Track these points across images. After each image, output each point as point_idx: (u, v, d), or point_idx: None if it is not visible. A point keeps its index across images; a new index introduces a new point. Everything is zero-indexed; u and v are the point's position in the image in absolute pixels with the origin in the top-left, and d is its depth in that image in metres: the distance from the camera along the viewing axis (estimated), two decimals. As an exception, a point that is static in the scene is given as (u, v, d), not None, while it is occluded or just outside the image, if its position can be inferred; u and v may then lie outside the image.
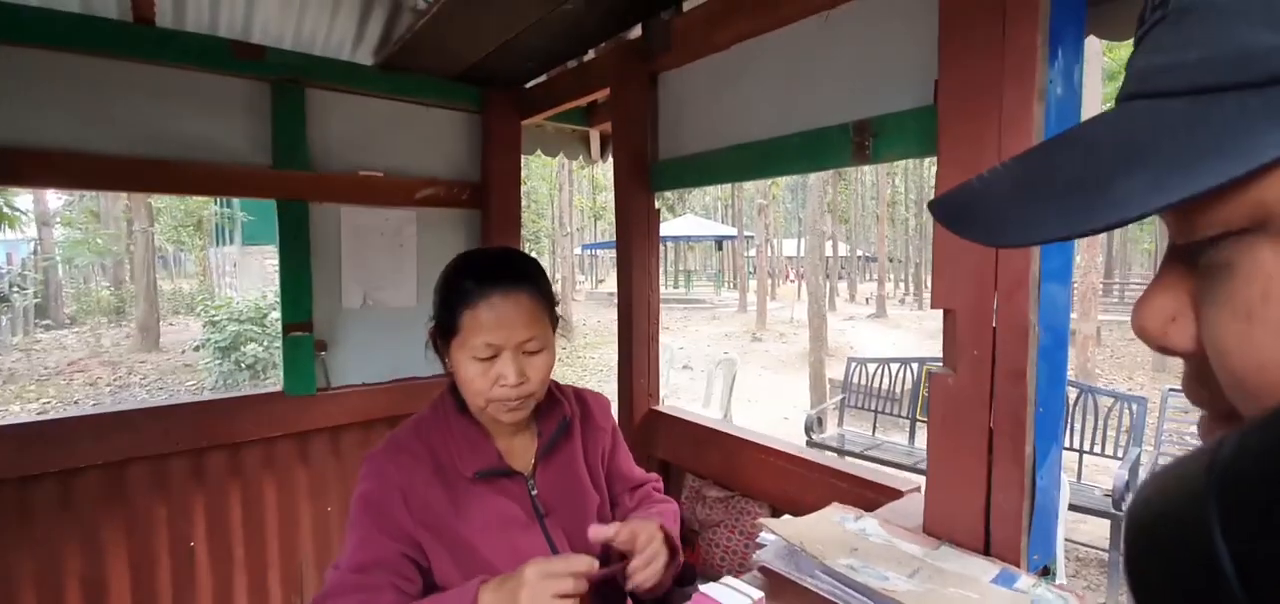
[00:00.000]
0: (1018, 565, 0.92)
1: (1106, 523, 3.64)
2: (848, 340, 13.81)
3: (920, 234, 29.73)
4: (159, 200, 12.73)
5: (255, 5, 1.77)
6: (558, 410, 1.07)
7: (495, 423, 1.01)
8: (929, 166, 32.04)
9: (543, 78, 2.17)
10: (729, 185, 29.08)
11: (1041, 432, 0.92)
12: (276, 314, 7.45)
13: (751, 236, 24.81)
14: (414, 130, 2.14)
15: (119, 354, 10.44)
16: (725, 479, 1.61)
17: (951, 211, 0.31)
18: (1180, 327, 0.28)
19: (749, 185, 25.01)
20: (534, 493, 1.01)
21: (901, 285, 31.28)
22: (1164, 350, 0.28)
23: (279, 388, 1.95)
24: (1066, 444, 4.22)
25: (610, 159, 2.86)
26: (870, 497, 1.22)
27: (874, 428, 5.97)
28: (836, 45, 1.28)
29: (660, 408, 1.83)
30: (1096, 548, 3.84)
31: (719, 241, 26.85)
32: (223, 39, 1.77)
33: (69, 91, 1.58)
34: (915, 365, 5.95)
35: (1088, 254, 8.55)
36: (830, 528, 1.01)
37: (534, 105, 2.19)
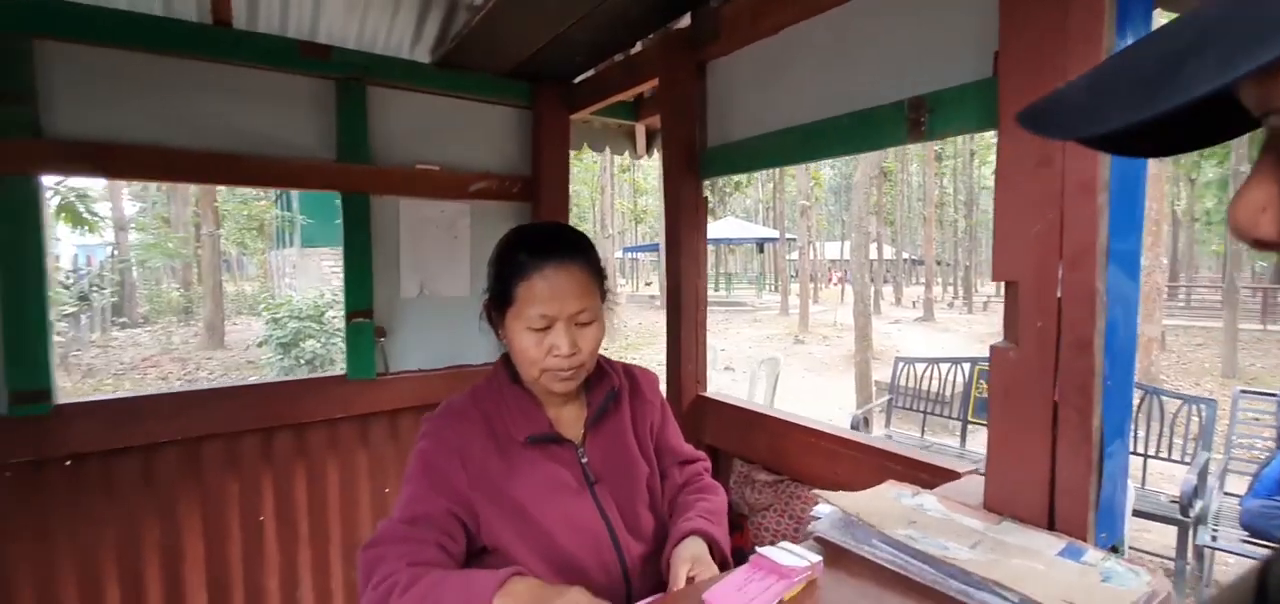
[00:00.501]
0: (1084, 542, 0.90)
1: (1172, 530, 3.46)
2: (893, 344, 13.48)
3: (970, 236, 28.80)
4: (224, 205, 13.41)
5: (322, 7, 1.87)
6: (606, 382, 1.10)
7: (546, 393, 1.04)
8: (980, 166, 31.03)
9: (591, 72, 2.21)
10: (771, 187, 28.78)
11: (1109, 404, 0.89)
12: (333, 312, 7.76)
13: (793, 238, 24.51)
14: (468, 125, 2.21)
15: (188, 351, 11.03)
16: (774, 463, 1.61)
17: (1030, 115, 0.32)
18: (1270, 217, 0.28)
19: (791, 186, 24.73)
20: (584, 460, 1.04)
21: (949, 289, 30.35)
22: (1257, 244, 0.29)
23: (342, 372, 2.04)
24: (1130, 447, 4.02)
25: (655, 154, 2.90)
26: (925, 478, 1.21)
27: (923, 430, 5.82)
28: (889, 21, 1.27)
29: (707, 394, 1.84)
30: (1162, 557, 3.65)
31: (761, 244, 26.65)
32: (292, 39, 1.87)
33: (153, 90, 1.70)
34: (967, 366, 5.77)
35: (1152, 253, 8.14)
36: (886, 503, 1.00)
37: (582, 99, 2.23)
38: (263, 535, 1.93)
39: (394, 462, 2.14)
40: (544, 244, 0.99)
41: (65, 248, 14.40)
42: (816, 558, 0.83)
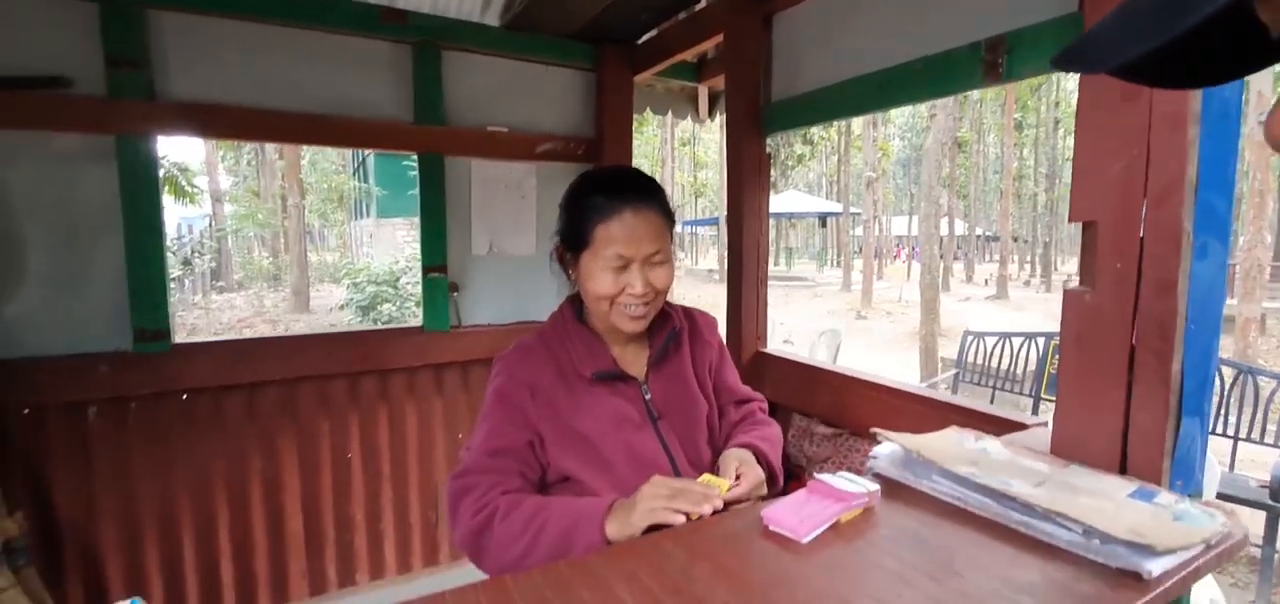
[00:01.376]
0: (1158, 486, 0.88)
1: (1261, 516, 3.24)
2: (962, 321, 12.94)
3: (1051, 211, 27.10)
4: (307, 178, 14.19)
5: (400, -28, 1.96)
6: (668, 324, 1.15)
7: (615, 331, 1.09)
8: (1064, 135, 29.02)
9: (654, 32, 2.22)
10: (835, 161, 27.89)
11: (1191, 349, 0.87)
12: (407, 278, 8.14)
13: (858, 213, 23.76)
14: (535, 88, 2.28)
15: (277, 314, 11.85)
16: (834, 418, 1.62)
17: (1063, 57, 0.33)
18: None
19: (857, 159, 23.90)
20: (647, 397, 1.09)
21: (1026, 267, 28.74)
22: None
23: (419, 325, 2.17)
24: (1219, 430, 3.77)
25: (717, 119, 2.89)
26: (991, 430, 1.19)
27: (991, 404, 5.59)
28: (966, -39, 1.23)
29: (768, 349, 1.86)
30: (1250, 544, 3.42)
31: (823, 218, 25.96)
32: (373, 5, 1.97)
33: (250, 55, 1.83)
34: (1042, 340, 5.50)
35: (1254, 227, 7.46)
36: (949, 444, 1.01)
37: (645, 61, 2.25)
38: (350, 471, 2.10)
39: (466, 409, 2.26)
40: (620, 187, 1.03)
41: (170, 217, 15.62)
42: (874, 487, 0.85)
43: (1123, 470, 0.92)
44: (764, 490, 1.02)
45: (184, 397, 1.85)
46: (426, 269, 2.14)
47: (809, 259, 32.44)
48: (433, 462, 2.23)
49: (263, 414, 1.96)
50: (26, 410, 1.67)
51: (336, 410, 2.06)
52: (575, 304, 1.14)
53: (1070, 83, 30.63)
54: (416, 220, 2.14)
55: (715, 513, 1.00)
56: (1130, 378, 0.90)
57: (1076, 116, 0.92)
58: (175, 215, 15.85)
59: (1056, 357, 5.41)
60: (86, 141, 1.66)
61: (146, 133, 1.70)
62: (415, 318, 2.15)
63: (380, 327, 2.21)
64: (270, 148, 15.80)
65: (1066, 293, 0.96)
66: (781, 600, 0.64)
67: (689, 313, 1.22)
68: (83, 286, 1.70)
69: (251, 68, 1.84)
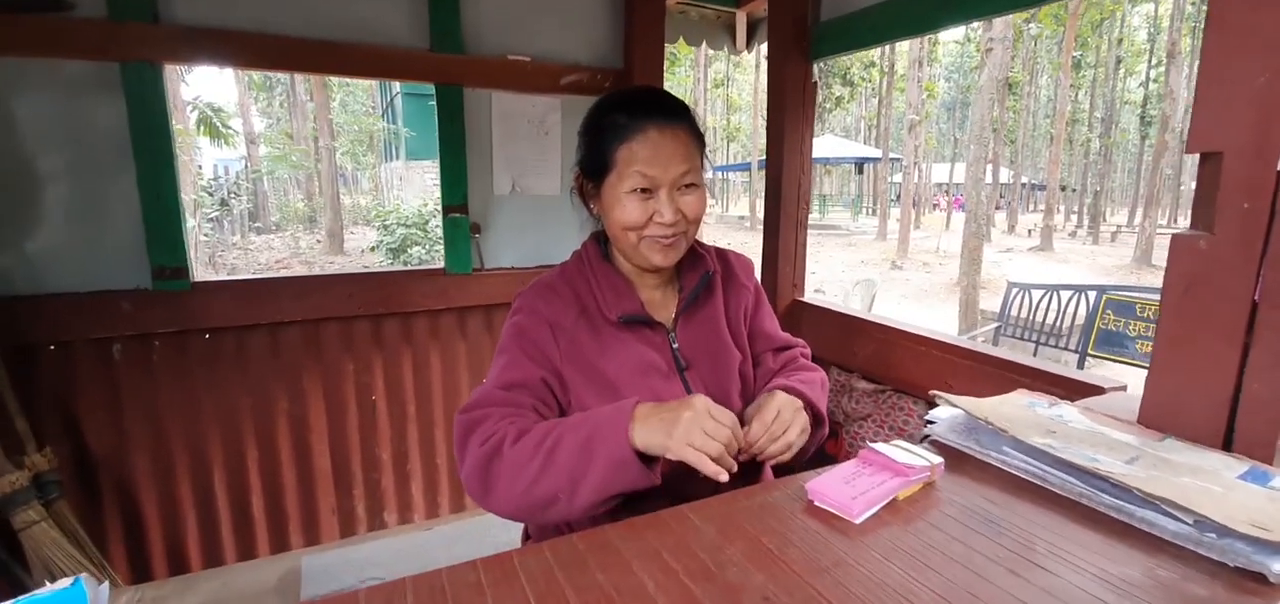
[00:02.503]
0: (1273, 467, 0.75)
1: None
2: (1003, 273, 12.50)
3: (1105, 158, 25.72)
4: (338, 119, 14.19)
5: (414, -115, 1.80)
6: (701, 265, 1.05)
7: (642, 269, 1.00)
8: (1124, 76, 27.26)
9: (690, -50, 2.04)
10: (876, 103, 26.76)
11: (1330, 306, 0.72)
12: (435, 221, 8.15)
13: (897, 159, 22.89)
14: (559, 12, 2.12)
15: (312, 256, 12.06)
16: (876, 372, 1.51)
17: None
18: None
19: (899, 101, 22.88)
20: (675, 345, 1.00)
21: (1072, 218, 27.49)
22: None
23: (442, 267, 2.10)
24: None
25: (755, 50, 2.69)
26: (1060, 393, 1.07)
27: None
28: None
29: (805, 298, 1.74)
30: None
31: (860, 164, 25.12)
32: (387, -78, 1.83)
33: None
34: (1093, 294, 5.23)
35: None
36: (1018, 410, 0.89)
37: (680, -18, 2.07)
38: (376, 412, 2.07)
39: (490, 353, 2.19)
40: (644, 105, 0.92)
41: (206, 158, 15.90)
42: (938, 459, 0.75)
43: (1227, 446, 0.80)
44: (797, 428, 0.92)
45: (206, 335, 1.82)
46: (447, 209, 2.06)
47: (842, 207, 31.58)
48: (457, 405, 2.18)
49: (287, 354, 1.93)
50: (53, 346, 1.66)
51: (360, 352, 2.03)
52: (600, 242, 1.04)
53: (1135, 18, 28.56)
54: (439, 163, 2.04)
55: (751, 462, 0.91)
56: (1248, 340, 0.76)
57: (1206, 23, 0.76)
58: (212, 156, 16.11)
59: (1109, 312, 5.14)
60: (92, 70, 1.59)
61: (150, 59, 1.62)
62: (441, 260, 2.08)
63: (402, 269, 2.15)
64: (300, 88, 15.80)
65: (1175, 239, 0.81)
66: (830, 593, 0.55)
67: (723, 254, 1.11)
68: (100, 222, 1.66)
69: (261, -10, 1.73)
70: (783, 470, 1.02)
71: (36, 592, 0.47)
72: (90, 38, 1.54)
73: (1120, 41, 25.64)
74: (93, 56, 1.56)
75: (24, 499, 1.51)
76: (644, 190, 0.90)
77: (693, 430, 0.78)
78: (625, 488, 0.79)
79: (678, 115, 0.92)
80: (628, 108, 0.92)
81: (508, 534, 2.01)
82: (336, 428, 2.03)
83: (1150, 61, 27.27)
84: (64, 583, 0.47)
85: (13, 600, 0.46)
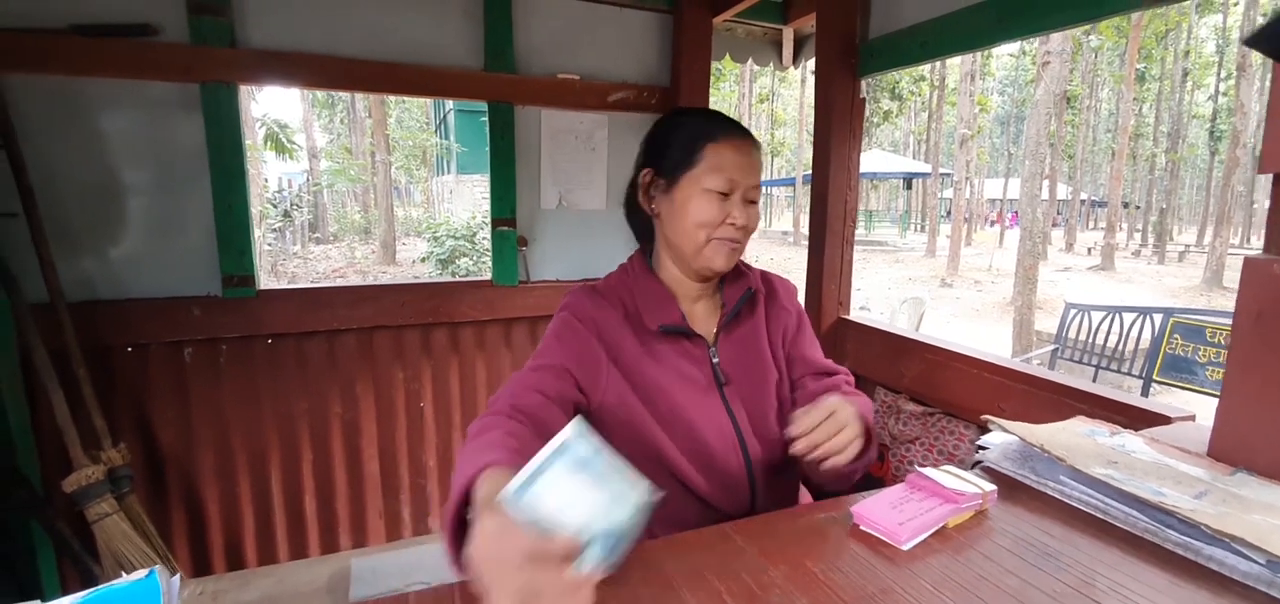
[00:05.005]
0: (1360, 509, 0.71)
1: None
2: (1059, 293, 11.99)
3: (1171, 174, 24.41)
4: (394, 134, 14.71)
5: (470, -88, 1.88)
6: (744, 282, 1.06)
7: (682, 284, 1.02)
8: (1192, 90, 25.90)
9: (738, -32, 2.05)
10: (925, 117, 26.14)
11: None
12: (483, 233, 8.36)
13: (948, 174, 22.28)
14: (607, 33, 2.16)
15: (367, 266, 12.51)
16: (924, 393, 1.47)
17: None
18: None
19: (950, 115, 22.32)
20: (715, 360, 1.00)
21: (1136, 236, 26.15)
22: None
23: (489, 278, 2.15)
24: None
25: (802, 65, 2.68)
26: (1122, 421, 1.02)
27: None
28: None
29: (851, 317, 1.71)
30: None
31: (908, 179, 24.53)
32: (444, -55, 1.91)
33: (326, 2, 1.82)
34: (1158, 316, 4.95)
35: None
36: (1078, 438, 0.86)
37: (726, 0, 2.08)
38: (423, 419, 2.13)
39: (533, 365, 2.24)
40: (722, 118, 0.99)
41: (272, 171, 16.66)
42: (990, 487, 0.73)
43: (1307, 484, 0.75)
44: (852, 432, 0.83)
45: (269, 341, 1.91)
46: (495, 222, 2.11)
47: (890, 223, 30.88)
48: (500, 416, 2.23)
49: (342, 360, 2.01)
50: (130, 348, 1.77)
51: (410, 360, 2.09)
52: (645, 257, 1.06)
53: (1203, 30, 27.12)
54: (490, 178, 2.11)
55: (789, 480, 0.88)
56: (1330, 371, 0.72)
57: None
58: (277, 170, 16.88)
59: (1176, 336, 4.86)
60: (174, 90, 1.70)
61: (229, 80, 1.72)
62: (489, 271, 2.14)
63: (450, 280, 2.22)
64: (360, 106, 16.44)
65: (1247, 262, 0.78)
66: (877, 618, 0.54)
67: (767, 276, 1.12)
68: (176, 233, 1.77)
69: (326, 15, 1.83)
70: (824, 494, 1.01)
71: (113, 582, 0.50)
72: (174, 61, 1.66)
73: (1187, 54, 24.39)
74: (175, 78, 1.68)
75: (98, 493, 1.60)
76: (722, 192, 0.94)
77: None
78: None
79: (751, 135, 0.99)
80: (710, 116, 0.99)
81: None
82: (386, 433, 2.10)
83: (1219, 74, 25.86)
84: (139, 574, 0.50)
85: (92, 591, 0.50)
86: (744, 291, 1.04)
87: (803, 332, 1.11)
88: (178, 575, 0.52)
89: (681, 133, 0.97)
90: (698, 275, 1.01)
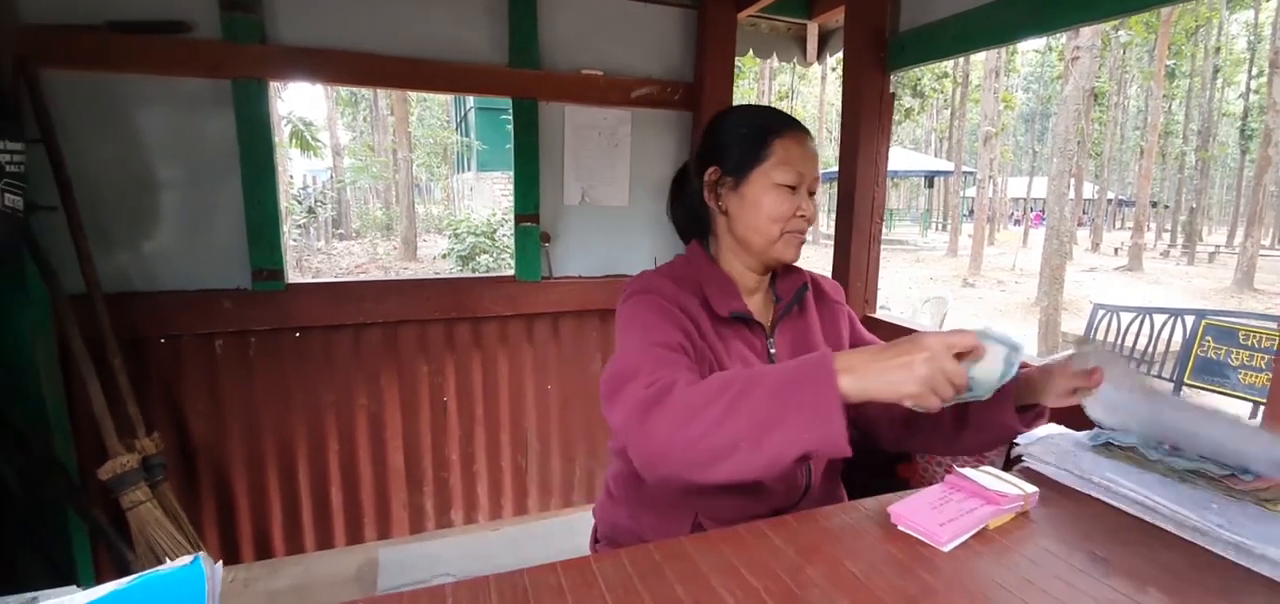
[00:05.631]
0: None
1: None
2: (1085, 294, 11.75)
3: (1201, 173, 23.82)
4: (415, 132, 14.84)
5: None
6: (798, 277, 1.08)
7: (743, 275, 1.03)
8: (1223, 85, 25.21)
9: (764, -37, 2.03)
10: (948, 114, 25.75)
11: None
12: (503, 231, 8.39)
13: (971, 172, 21.95)
14: (631, 28, 2.16)
15: (389, 261, 12.66)
16: (956, 395, 1.44)
17: None
18: None
19: (974, 112, 21.99)
20: (773, 350, 1.02)
21: (1164, 236, 25.53)
22: None
23: (512, 273, 2.16)
24: None
25: (826, 61, 2.65)
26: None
27: (1123, 390, 5.01)
28: None
29: (877, 315, 1.69)
30: None
31: (930, 177, 24.21)
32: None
33: (351, 0, 1.83)
34: (1190, 318, 4.84)
35: None
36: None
37: (752, -5, 2.07)
38: (447, 413, 2.15)
39: (555, 361, 2.25)
40: (783, 113, 1.01)
41: (297, 168, 16.90)
42: (1031, 489, 0.71)
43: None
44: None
45: (297, 334, 1.94)
46: (519, 218, 2.12)
47: (910, 222, 30.50)
48: (523, 410, 2.25)
49: (367, 353, 2.03)
50: (163, 339, 1.81)
51: (434, 354, 2.11)
52: (704, 248, 1.07)
53: (1234, 26, 26.35)
54: (513, 174, 2.11)
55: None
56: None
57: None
58: (302, 167, 17.11)
59: (1208, 337, 4.75)
60: (206, 86, 1.73)
61: (259, 77, 1.74)
62: (509, 267, 2.14)
63: (474, 275, 2.24)
64: (383, 104, 16.58)
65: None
66: (921, 621, 0.53)
67: (813, 276, 1.15)
68: (208, 227, 1.80)
69: (354, 12, 1.84)
70: (857, 493, 1.01)
71: (159, 568, 0.51)
72: (206, 57, 1.68)
73: (1218, 50, 23.74)
74: (207, 74, 1.70)
75: (133, 480, 1.63)
76: (790, 186, 0.96)
77: (938, 380, 0.69)
78: (814, 447, 0.70)
79: (809, 131, 1.01)
80: (773, 113, 1.00)
81: (572, 540, 2.04)
82: (410, 427, 2.12)
83: (1250, 71, 25.13)
84: (184, 560, 0.51)
85: (139, 575, 0.50)
86: (801, 286, 1.07)
87: (856, 326, 1.15)
88: (220, 563, 0.52)
89: (745, 129, 0.99)
90: (764, 268, 1.03)
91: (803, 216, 0.98)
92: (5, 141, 1.33)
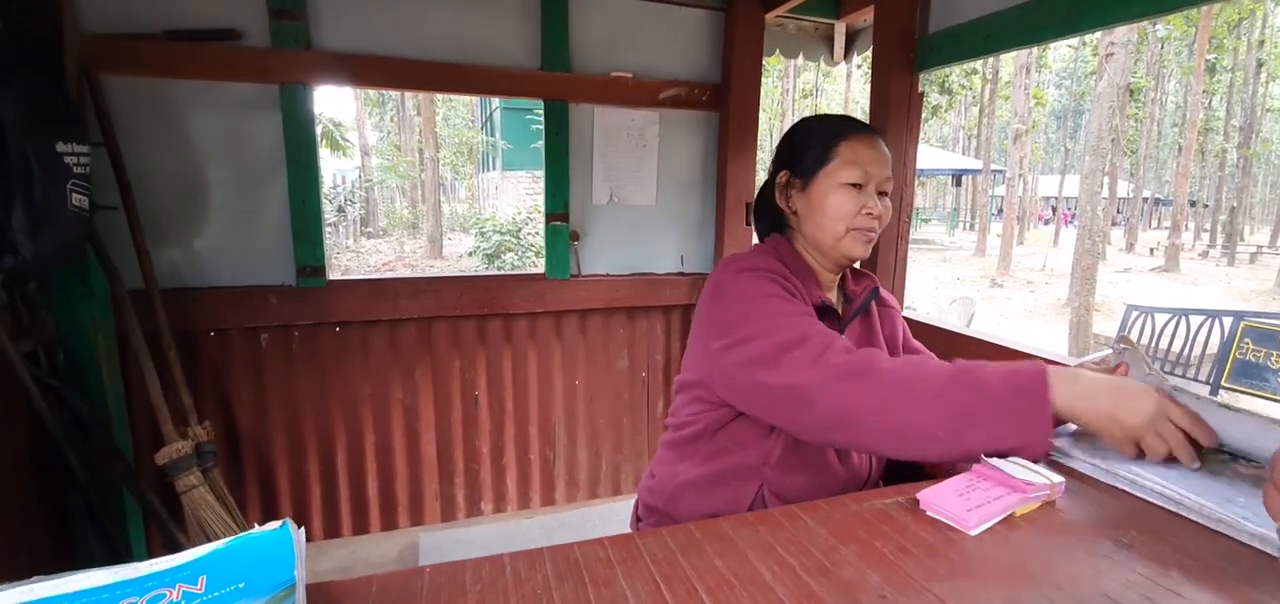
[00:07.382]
0: None
1: None
2: (1119, 294, 11.48)
3: (1243, 171, 23.04)
4: (441, 132, 15.07)
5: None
6: (868, 281, 1.14)
7: (821, 274, 1.07)
8: (1267, 81, 24.36)
9: (791, -36, 2.05)
10: (976, 111, 25.30)
11: None
12: (528, 229, 8.50)
13: (1000, 170, 21.54)
14: (659, 30, 2.20)
15: (415, 259, 12.88)
16: (983, 393, 1.45)
17: None
18: None
19: (1004, 109, 21.57)
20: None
21: (1203, 236, 24.76)
22: None
23: (542, 271, 2.22)
24: None
25: (852, 61, 2.66)
26: (1194, 422, 1.00)
27: (1158, 393, 4.90)
28: None
29: (906, 316, 1.70)
30: None
31: (958, 176, 23.82)
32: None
33: (392, 6, 1.90)
34: (1228, 319, 4.68)
35: None
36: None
37: (779, -3, 2.09)
38: (478, 407, 2.21)
39: (583, 357, 2.30)
40: (853, 119, 1.06)
41: (326, 168, 17.32)
42: (1058, 478, 0.73)
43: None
44: None
45: (337, 328, 2.02)
46: (549, 217, 2.17)
47: (938, 221, 30.04)
48: (551, 405, 2.30)
49: (403, 348, 2.11)
50: (212, 333, 1.89)
51: (466, 349, 2.17)
52: (784, 243, 1.10)
53: (1278, 19, 25.42)
54: (537, 173, 2.19)
55: None
56: None
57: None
58: (331, 167, 17.49)
59: (1248, 340, 4.63)
60: (255, 91, 1.81)
61: (304, 82, 1.82)
62: (534, 266, 2.20)
63: (505, 273, 2.30)
64: (410, 104, 16.86)
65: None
66: (948, 597, 0.56)
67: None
68: (255, 226, 1.89)
69: (393, 18, 1.91)
70: (894, 478, 1.07)
71: (248, 532, 0.55)
72: (255, 63, 1.76)
73: (1261, 44, 22.96)
74: (256, 79, 1.79)
75: (187, 466, 1.72)
76: (856, 185, 1.00)
77: (1160, 421, 0.77)
78: (1015, 446, 0.77)
79: (880, 135, 1.04)
80: (842, 118, 1.05)
81: (604, 527, 2.08)
82: (442, 419, 2.19)
83: (1293, 66, 24.26)
84: (273, 525, 0.55)
85: (231, 538, 0.55)
86: (872, 288, 1.12)
87: (907, 334, 1.21)
88: (303, 529, 0.57)
89: (815, 134, 1.04)
90: (835, 265, 1.07)
91: (870, 214, 1.01)
92: (72, 145, 1.41)
